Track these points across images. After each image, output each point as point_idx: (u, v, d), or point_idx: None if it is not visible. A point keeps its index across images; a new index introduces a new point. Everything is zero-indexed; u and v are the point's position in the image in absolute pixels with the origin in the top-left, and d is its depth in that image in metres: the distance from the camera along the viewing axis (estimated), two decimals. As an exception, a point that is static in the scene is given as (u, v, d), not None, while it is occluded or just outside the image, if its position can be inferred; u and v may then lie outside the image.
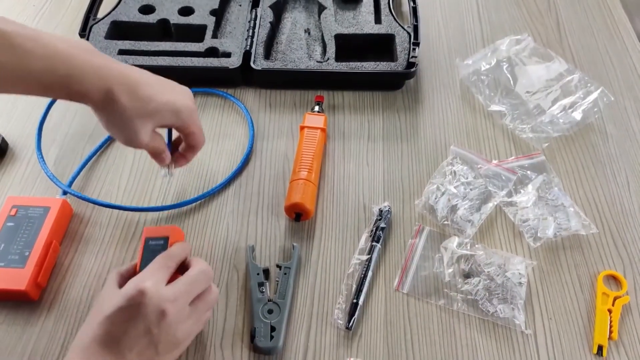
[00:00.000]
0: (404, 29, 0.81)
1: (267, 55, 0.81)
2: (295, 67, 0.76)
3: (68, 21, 0.90)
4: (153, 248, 0.55)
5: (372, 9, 0.85)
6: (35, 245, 0.58)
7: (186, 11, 0.83)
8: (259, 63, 0.77)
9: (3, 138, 0.71)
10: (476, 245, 0.62)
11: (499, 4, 0.93)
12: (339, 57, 0.78)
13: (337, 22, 0.83)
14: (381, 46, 0.82)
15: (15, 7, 0.92)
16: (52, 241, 0.60)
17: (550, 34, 0.88)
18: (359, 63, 0.76)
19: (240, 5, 0.87)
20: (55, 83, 0.46)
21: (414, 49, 0.77)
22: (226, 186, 0.68)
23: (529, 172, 0.69)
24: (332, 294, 0.59)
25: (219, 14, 0.84)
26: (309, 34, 0.85)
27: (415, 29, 0.80)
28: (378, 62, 0.77)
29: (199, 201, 0.67)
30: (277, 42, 0.84)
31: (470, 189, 0.66)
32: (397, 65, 0.76)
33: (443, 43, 0.86)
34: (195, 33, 0.81)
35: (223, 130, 0.74)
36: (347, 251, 0.62)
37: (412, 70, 0.76)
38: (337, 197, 0.67)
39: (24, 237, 0.59)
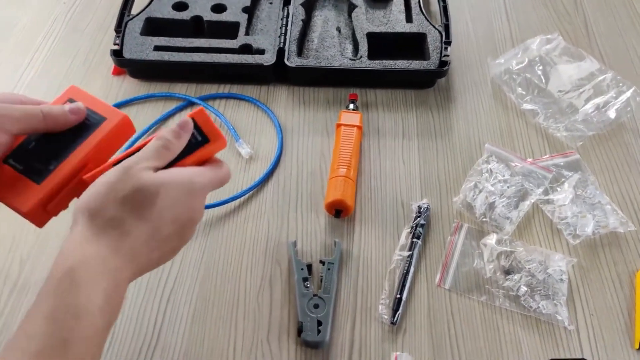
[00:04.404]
0: (435, 28, 0.81)
1: (299, 52, 0.81)
2: (329, 65, 0.77)
3: (100, 18, 0.90)
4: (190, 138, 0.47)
5: (402, 7, 0.85)
6: (65, 161, 0.45)
7: (219, 8, 0.84)
8: (292, 60, 0.77)
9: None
10: (515, 242, 0.62)
11: (526, 3, 0.93)
12: (370, 55, 0.79)
13: (368, 21, 0.84)
14: (411, 45, 0.82)
15: (45, 5, 0.92)
16: (88, 164, 0.46)
17: (578, 34, 0.88)
18: (391, 61, 0.77)
19: (270, 3, 0.88)
20: None
21: (445, 48, 0.78)
22: (264, 182, 0.69)
23: (563, 170, 0.69)
24: (374, 289, 0.60)
25: (250, 12, 0.85)
26: (340, 32, 0.85)
27: (447, 28, 0.80)
28: (411, 61, 0.77)
29: (237, 200, 0.67)
30: (308, 40, 0.84)
31: (507, 187, 0.67)
32: (430, 64, 0.77)
33: (472, 42, 0.87)
34: (228, 30, 0.82)
35: (258, 128, 0.75)
36: (387, 247, 0.63)
37: (444, 68, 0.76)
38: (374, 194, 0.68)
39: (59, 144, 0.46)
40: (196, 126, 0.46)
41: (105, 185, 0.41)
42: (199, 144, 0.46)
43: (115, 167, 0.42)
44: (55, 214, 0.47)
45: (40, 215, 0.46)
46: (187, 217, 0.43)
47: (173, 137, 0.44)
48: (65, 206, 0.47)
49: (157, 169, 0.43)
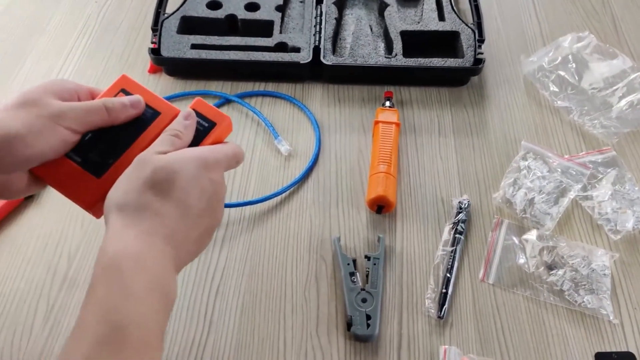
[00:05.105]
0: (468, 26, 0.82)
1: (333, 51, 0.82)
2: (365, 63, 0.78)
3: (132, 17, 0.91)
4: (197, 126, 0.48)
5: (434, 6, 0.86)
6: (123, 156, 0.47)
7: (252, 7, 0.85)
8: (329, 58, 0.78)
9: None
10: (556, 238, 0.63)
11: (555, 1, 0.94)
12: (404, 53, 0.79)
13: (401, 19, 0.84)
14: (443, 43, 0.83)
15: (76, 5, 0.93)
16: None
17: (607, 32, 0.89)
18: (426, 59, 0.78)
19: (301, 2, 0.88)
20: None
21: (479, 46, 0.79)
22: (304, 179, 0.70)
23: (600, 167, 0.70)
24: (419, 284, 0.61)
25: (282, 10, 0.86)
26: (372, 30, 0.86)
27: (479, 25, 0.81)
28: (446, 59, 0.78)
29: (278, 196, 0.68)
30: (340, 38, 0.85)
31: (546, 183, 0.67)
32: (465, 62, 0.78)
33: (502, 39, 0.88)
34: (262, 28, 0.83)
35: (295, 126, 0.76)
36: (430, 243, 0.64)
37: (479, 66, 0.77)
38: (414, 190, 0.69)
39: (116, 137, 0.47)
40: (200, 115, 0.48)
41: (124, 178, 0.42)
42: (207, 129, 0.48)
43: (132, 163, 0.43)
44: None
45: (100, 208, 0.46)
46: (211, 190, 0.43)
47: (180, 127, 0.46)
48: None
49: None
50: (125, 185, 0.41)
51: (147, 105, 0.49)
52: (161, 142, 0.44)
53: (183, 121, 0.46)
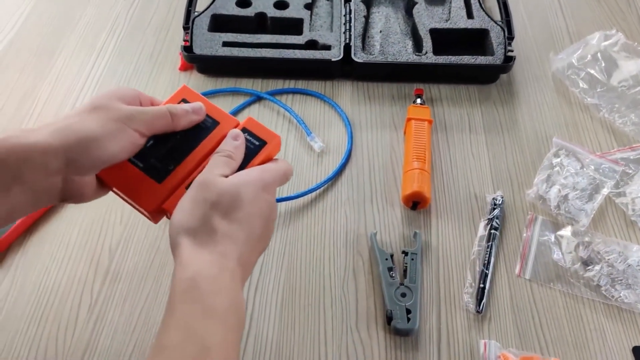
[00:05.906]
0: (496, 24, 0.82)
1: (362, 48, 0.82)
2: (395, 60, 0.78)
3: (161, 15, 0.92)
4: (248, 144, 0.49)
5: (462, 4, 0.87)
6: (183, 163, 0.48)
7: (281, 5, 0.85)
8: (359, 56, 0.79)
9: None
10: (592, 233, 0.64)
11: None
12: (434, 51, 0.80)
13: (429, 17, 0.85)
14: (472, 41, 0.83)
15: (105, 4, 0.94)
16: (201, 167, 0.47)
17: (633, 30, 0.89)
18: (457, 57, 0.78)
19: (328, 0, 0.89)
20: None
21: (509, 43, 0.79)
22: (338, 175, 0.70)
23: (632, 164, 0.70)
24: (456, 279, 0.61)
25: (310, 9, 0.86)
26: (400, 28, 0.86)
27: (508, 23, 0.82)
28: (476, 56, 0.78)
29: (313, 193, 0.69)
30: (368, 36, 0.85)
31: (580, 180, 0.68)
32: (495, 59, 0.78)
33: (529, 37, 0.88)
34: (291, 26, 0.83)
35: (326, 123, 0.76)
36: (465, 239, 0.64)
37: (510, 64, 0.77)
38: (448, 187, 0.69)
39: (176, 144, 0.48)
40: (251, 134, 0.49)
41: (189, 201, 0.43)
42: (257, 148, 0.49)
43: (192, 185, 0.44)
44: (165, 213, 0.48)
45: (159, 213, 0.48)
46: (268, 212, 0.45)
47: (231, 147, 0.47)
48: (174, 206, 0.46)
49: (227, 177, 0.45)
50: (191, 208, 0.42)
51: (206, 115, 0.50)
52: (216, 164, 0.45)
53: (232, 142, 0.48)
